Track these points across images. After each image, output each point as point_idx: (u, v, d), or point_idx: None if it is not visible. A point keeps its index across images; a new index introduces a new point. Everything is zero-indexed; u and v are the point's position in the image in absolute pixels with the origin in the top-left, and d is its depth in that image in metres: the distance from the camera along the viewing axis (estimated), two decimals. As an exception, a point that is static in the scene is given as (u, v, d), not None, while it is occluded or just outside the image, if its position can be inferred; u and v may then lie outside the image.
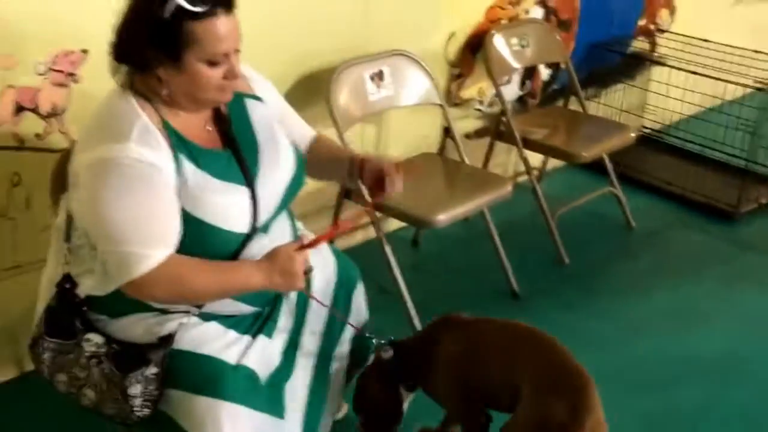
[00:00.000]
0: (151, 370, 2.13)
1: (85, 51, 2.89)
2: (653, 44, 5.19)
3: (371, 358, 2.66)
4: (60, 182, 2.37)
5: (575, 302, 3.75)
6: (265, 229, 2.28)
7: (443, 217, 3.29)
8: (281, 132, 2.38)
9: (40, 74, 2.84)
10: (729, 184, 4.67)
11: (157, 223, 2.05)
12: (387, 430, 2.61)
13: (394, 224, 4.08)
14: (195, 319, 2.24)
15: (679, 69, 4.73)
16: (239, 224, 2.18)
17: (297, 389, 2.41)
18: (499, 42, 4.12)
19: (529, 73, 4.60)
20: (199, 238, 2.12)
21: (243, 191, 2.18)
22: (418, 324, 3.35)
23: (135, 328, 2.21)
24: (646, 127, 5.27)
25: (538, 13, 4.48)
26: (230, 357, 2.21)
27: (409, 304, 3.40)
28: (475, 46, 4.20)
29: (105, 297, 2.19)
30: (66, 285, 2.22)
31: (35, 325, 2.28)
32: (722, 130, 4.76)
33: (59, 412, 2.61)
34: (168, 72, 2.07)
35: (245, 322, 2.31)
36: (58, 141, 2.95)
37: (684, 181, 4.73)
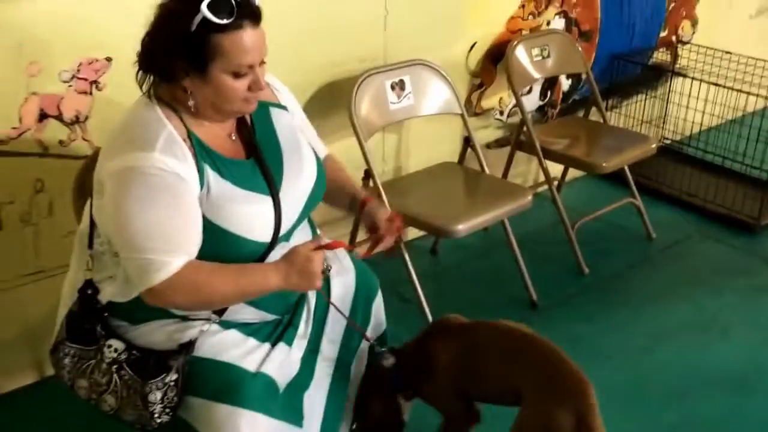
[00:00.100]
0: (172, 377, 2.14)
1: (109, 59, 2.91)
2: (675, 56, 5.17)
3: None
4: (83, 189, 2.38)
5: (595, 313, 3.74)
6: (287, 237, 2.28)
7: (463, 227, 3.30)
8: (304, 140, 2.39)
9: (65, 82, 2.86)
10: (750, 196, 4.65)
11: (180, 231, 2.05)
12: None
13: (413, 233, 4.08)
14: (215, 327, 2.24)
15: (701, 81, 4.72)
16: (262, 233, 2.18)
17: (315, 398, 2.40)
18: (520, 52, 4.13)
19: (550, 83, 4.60)
20: (222, 247, 2.12)
21: (266, 201, 2.19)
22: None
23: (156, 334, 2.21)
24: (667, 138, 5.27)
25: (559, 23, 4.48)
26: (250, 365, 2.21)
27: (428, 313, 3.41)
28: (497, 57, 4.21)
29: (126, 303, 2.20)
30: (88, 291, 2.23)
31: (57, 330, 2.28)
32: (743, 142, 4.75)
33: (78, 416, 2.61)
34: (194, 83, 2.08)
35: (265, 330, 2.31)
36: (81, 148, 2.97)
37: (705, 193, 4.71)
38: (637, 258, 4.30)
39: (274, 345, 2.30)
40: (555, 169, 4.29)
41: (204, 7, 1.98)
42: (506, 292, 3.84)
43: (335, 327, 2.50)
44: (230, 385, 2.15)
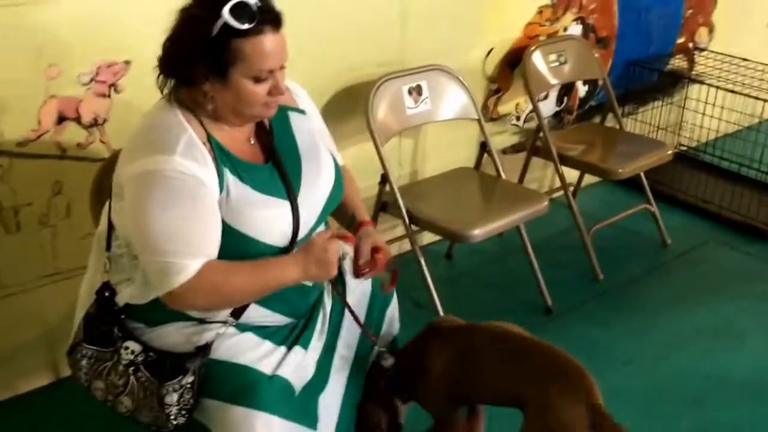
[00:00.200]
0: (188, 379, 2.14)
1: (127, 62, 2.92)
2: (691, 62, 5.17)
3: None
4: (100, 191, 2.39)
5: (609, 319, 3.74)
6: (305, 241, 2.29)
7: (479, 232, 3.30)
8: (323, 144, 2.40)
9: (84, 84, 2.88)
10: (765, 203, 4.65)
11: (199, 235, 2.06)
12: None
13: (427, 237, 4.09)
14: (232, 330, 2.24)
15: (717, 87, 4.71)
16: (280, 238, 2.19)
17: (330, 401, 2.40)
18: (537, 58, 4.13)
19: (567, 89, 4.60)
20: (241, 251, 2.13)
21: (284, 205, 2.19)
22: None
23: (173, 336, 2.22)
24: (683, 145, 5.26)
25: (576, 30, 4.48)
26: (266, 367, 2.22)
27: (443, 318, 3.41)
28: (514, 62, 4.21)
29: (143, 305, 2.20)
30: (105, 293, 2.24)
31: (74, 332, 2.29)
32: (759, 149, 4.74)
33: (94, 418, 2.61)
34: (214, 87, 2.08)
35: (281, 333, 2.32)
36: (99, 150, 2.98)
37: (720, 199, 4.70)
38: (652, 264, 4.29)
39: (290, 348, 2.31)
40: (571, 174, 4.29)
41: (225, 12, 1.98)
42: (521, 297, 3.84)
43: (351, 331, 2.50)
44: (246, 387, 2.16)
